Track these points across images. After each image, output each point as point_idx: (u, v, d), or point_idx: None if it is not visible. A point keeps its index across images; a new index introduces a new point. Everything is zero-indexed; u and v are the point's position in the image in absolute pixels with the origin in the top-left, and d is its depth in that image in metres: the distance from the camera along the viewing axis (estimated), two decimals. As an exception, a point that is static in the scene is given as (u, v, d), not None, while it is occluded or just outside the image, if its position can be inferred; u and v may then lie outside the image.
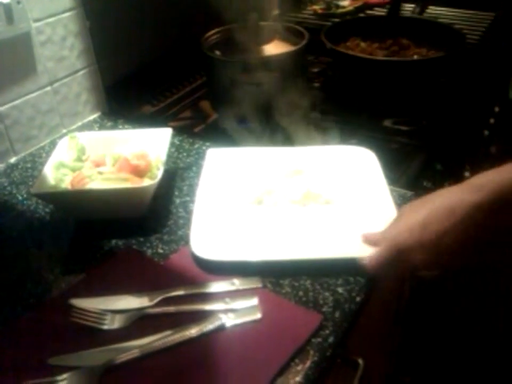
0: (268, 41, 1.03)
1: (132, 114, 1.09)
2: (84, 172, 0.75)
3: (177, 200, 0.80)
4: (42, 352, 0.55)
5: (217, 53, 1.00)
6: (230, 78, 0.97)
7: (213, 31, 1.07)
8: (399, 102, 1.11)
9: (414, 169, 0.90)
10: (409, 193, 0.79)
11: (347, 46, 1.24)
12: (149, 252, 0.70)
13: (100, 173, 0.75)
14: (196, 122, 1.11)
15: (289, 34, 1.08)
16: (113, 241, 0.72)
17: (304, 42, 1.02)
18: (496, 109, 1.20)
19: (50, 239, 0.75)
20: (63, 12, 0.95)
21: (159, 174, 0.72)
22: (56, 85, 0.98)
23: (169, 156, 0.88)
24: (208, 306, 0.60)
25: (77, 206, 0.73)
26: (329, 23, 1.45)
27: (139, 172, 0.77)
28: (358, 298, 0.61)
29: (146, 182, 0.75)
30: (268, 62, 0.97)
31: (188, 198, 0.80)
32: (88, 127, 1.04)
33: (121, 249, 0.71)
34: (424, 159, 0.94)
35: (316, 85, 1.26)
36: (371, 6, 1.59)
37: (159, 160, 0.76)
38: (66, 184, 0.74)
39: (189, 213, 0.76)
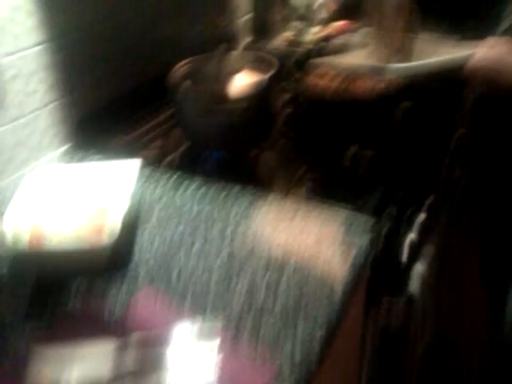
0: (237, 70, 1.05)
1: (102, 146, 1.10)
2: (43, 227, 0.75)
3: (140, 242, 0.80)
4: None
5: (187, 84, 1.02)
6: (199, 109, 0.99)
7: (183, 62, 1.08)
8: (362, 132, 1.14)
9: (377, 196, 0.93)
10: (371, 221, 0.81)
11: (315, 75, 1.28)
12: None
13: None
14: (167, 152, 1.13)
15: (259, 63, 1.10)
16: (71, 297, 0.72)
17: (273, 71, 1.04)
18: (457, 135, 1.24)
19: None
20: (34, 46, 0.96)
21: (118, 226, 0.73)
22: (24, 118, 0.98)
23: (136, 187, 0.89)
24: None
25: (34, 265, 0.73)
26: (299, 50, 1.49)
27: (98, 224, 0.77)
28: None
29: (106, 232, 0.75)
30: (237, 93, 0.99)
31: (153, 239, 0.81)
32: (57, 160, 1.04)
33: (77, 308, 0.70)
34: (387, 187, 0.96)
35: (288, 111, 1.29)
36: (340, 33, 1.63)
37: (122, 201, 0.77)
38: (24, 241, 0.74)
39: (153, 258, 0.76)
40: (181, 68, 1.07)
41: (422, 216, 1.02)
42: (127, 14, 1.16)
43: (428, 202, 1.08)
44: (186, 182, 0.96)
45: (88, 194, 0.82)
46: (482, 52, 0.94)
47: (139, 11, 1.20)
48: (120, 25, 1.15)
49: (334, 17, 1.66)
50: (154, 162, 1.08)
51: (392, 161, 1.06)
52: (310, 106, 1.25)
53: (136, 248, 0.79)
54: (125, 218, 0.75)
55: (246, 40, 1.62)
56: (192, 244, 0.80)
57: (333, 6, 1.67)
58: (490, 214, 1.22)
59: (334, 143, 1.12)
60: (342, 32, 1.62)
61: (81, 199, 0.80)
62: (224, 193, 0.92)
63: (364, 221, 0.83)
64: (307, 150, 1.12)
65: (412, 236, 1.00)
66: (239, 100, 1.00)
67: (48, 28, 0.97)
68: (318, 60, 1.22)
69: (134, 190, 0.82)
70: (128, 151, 1.11)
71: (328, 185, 0.98)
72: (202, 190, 0.93)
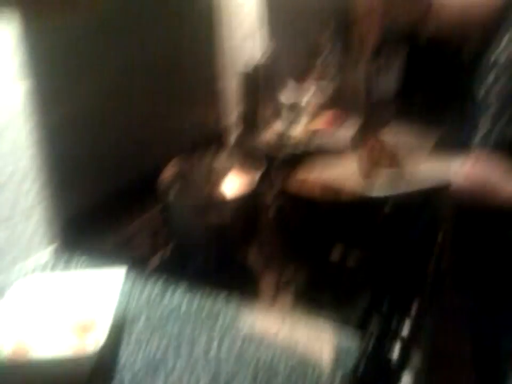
0: (226, 171, 1.08)
1: (88, 246, 1.10)
2: (27, 339, 0.74)
3: (124, 357, 0.80)
4: None
5: (176, 188, 1.04)
6: (188, 214, 1.01)
7: (172, 162, 1.11)
8: (346, 234, 1.17)
9: (361, 308, 0.93)
10: (355, 340, 0.82)
11: (297, 179, 1.31)
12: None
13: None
14: (156, 250, 1.14)
15: (248, 163, 1.13)
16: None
17: (261, 172, 1.07)
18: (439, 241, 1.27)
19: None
20: (22, 153, 0.99)
21: (102, 337, 0.72)
22: (10, 223, 0.99)
23: (120, 300, 0.89)
24: None
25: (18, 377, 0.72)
26: (282, 150, 1.55)
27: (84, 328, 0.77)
28: None
29: (91, 339, 0.75)
30: (220, 205, 1.02)
31: (136, 353, 0.80)
32: (42, 261, 1.04)
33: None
34: (371, 296, 0.97)
35: (272, 213, 1.32)
36: (323, 132, 1.70)
37: (106, 315, 0.77)
38: (7, 353, 0.73)
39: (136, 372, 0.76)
40: (170, 169, 1.10)
41: (408, 321, 1.02)
42: (117, 115, 1.21)
43: (414, 305, 1.09)
44: (172, 288, 0.96)
45: (73, 305, 0.82)
46: (466, 172, 0.98)
47: (129, 111, 1.24)
48: (111, 126, 1.19)
49: (321, 110, 1.74)
50: (141, 261, 1.09)
51: (377, 261, 1.08)
52: (297, 203, 1.28)
53: (121, 359, 0.78)
54: (110, 329, 0.75)
55: (235, 134, 1.67)
56: (178, 357, 0.80)
57: (320, 100, 1.74)
58: (480, 314, 1.23)
59: (321, 241, 1.15)
60: (329, 124, 1.68)
61: (66, 310, 0.80)
62: (209, 302, 0.93)
63: (352, 329, 0.84)
64: (295, 248, 1.14)
65: (399, 342, 1.00)
66: (228, 203, 1.03)
67: (36, 136, 1.01)
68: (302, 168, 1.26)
69: (119, 299, 0.82)
70: (116, 250, 1.12)
71: (315, 288, 0.99)
72: (188, 297, 0.94)
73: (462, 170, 0.99)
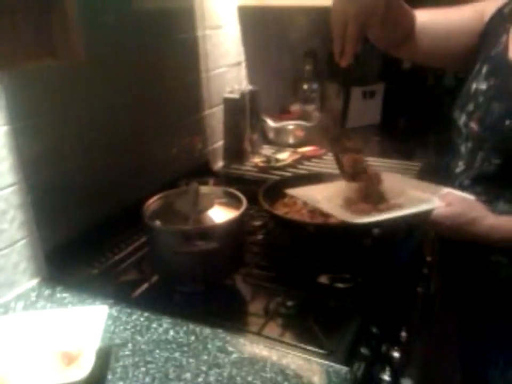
0: (208, 207, 1.07)
1: (72, 279, 1.08)
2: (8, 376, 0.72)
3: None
4: None
5: (158, 222, 1.04)
6: (170, 247, 1.00)
7: (154, 198, 1.11)
8: (334, 260, 1.16)
9: (350, 335, 0.92)
10: (344, 369, 0.80)
11: (285, 203, 1.32)
12: None
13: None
14: (140, 282, 1.12)
15: (229, 199, 1.13)
16: None
17: (243, 208, 1.07)
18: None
19: None
20: (5, 187, 0.98)
21: (84, 375, 0.70)
22: (-6, 256, 0.97)
23: (105, 330, 0.87)
24: None
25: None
26: (269, 176, 1.56)
27: (69, 358, 0.75)
28: None
29: (77, 369, 0.73)
30: (207, 231, 1.01)
31: (123, 381, 0.78)
32: (25, 296, 1.02)
33: None
34: (360, 323, 0.96)
35: (259, 237, 1.31)
36: (309, 158, 1.71)
37: (90, 348, 0.75)
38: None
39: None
40: (151, 204, 1.10)
41: (397, 352, 1.01)
42: (101, 145, 1.20)
43: (402, 335, 1.08)
44: (159, 315, 0.94)
45: (57, 339, 0.80)
46: (440, 211, 0.99)
47: (113, 141, 1.24)
48: (95, 157, 1.19)
49: (302, 144, 1.76)
50: (128, 290, 1.07)
51: (366, 285, 1.07)
52: (285, 227, 1.27)
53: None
54: (95, 358, 0.73)
55: (218, 165, 1.68)
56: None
57: (300, 133, 1.77)
58: (468, 340, 1.22)
59: (309, 265, 1.14)
60: (309, 157, 1.70)
61: (50, 343, 0.78)
62: (197, 328, 0.91)
63: (342, 355, 0.83)
64: (283, 272, 1.13)
65: (389, 368, 0.99)
66: (214, 229, 1.02)
67: (19, 170, 1.00)
68: (290, 191, 1.26)
69: (104, 329, 0.80)
70: (102, 280, 1.10)
71: (305, 313, 0.98)
72: (176, 324, 0.92)
73: (436, 208, 1.00)
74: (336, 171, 1.21)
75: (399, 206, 1.08)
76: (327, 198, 1.17)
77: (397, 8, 1.07)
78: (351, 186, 1.16)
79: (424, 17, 1.14)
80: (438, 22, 1.15)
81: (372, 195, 1.13)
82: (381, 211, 1.08)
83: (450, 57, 1.15)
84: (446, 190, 1.07)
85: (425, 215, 1.00)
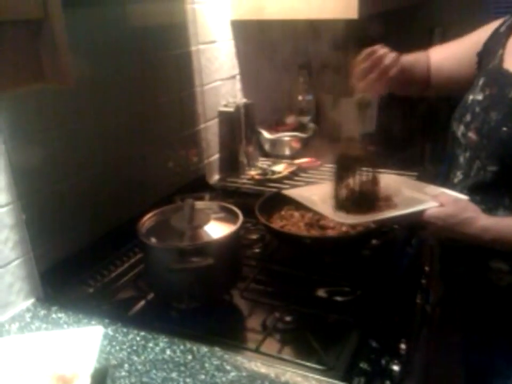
0: (203, 222, 1.07)
1: (68, 298, 1.07)
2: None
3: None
4: None
5: (153, 239, 1.03)
6: (165, 264, 0.99)
7: (149, 215, 1.10)
8: (332, 272, 1.15)
9: (350, 350, 0.91)
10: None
11: (281, 216, 1.31)
12: None
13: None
14: (136, 300, 1.11)
15: (225, 214, 1.13)
16: None
17: (239, 223, 1.06)
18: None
19: None
20: (1, 207, 0.97)
21: None
22: (-13, 278, 0.96)
23: (101, 350, 0.86)
24: None
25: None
26: (265, 189, 1.55)
27: (65, 381, 0.74)
28: None
29: None
30: (202, 247, 1.00)
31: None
32: (20, 317, 1.01)
33: None
34: (359, 337, 0.95)
35: (256, 251, 1.30)
36: (305, 169, 1.71)
37: (85, 370, 0.74)
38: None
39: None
40: (147, 221, 1.09)
41: (396, 365, 1.00)
42: (96, 162, 1.20)
43: (402, 347, 1.07)
44: (156, 334, 0.93)
45: (52, 361, 0.79)
46: (433, 211, 1.00)
47: (108, 157, 1.23)
48: (89, 174, 1.18)
49: (298, 155, 1.76)
50: (124, 308, 1.06)
51: (365, 297, 1.06)
52: (283, 239, 1.26)
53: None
54: (91, 379, 0.72)
55: (215, 178, 1.68)
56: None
57: (296, 145, 1.76)
58: (472, 349, 1.21)
59: (307, 278, 1.13)
60: (306, 169, 1.70)
61: (45, 365, 0.77)
62: (195, 346, 0.90)
63: (341, 369, 0.83)
64: (281, 286, 1.12)
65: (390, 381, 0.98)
66: (211, 244, 1.02)
67: (12, 190, 0.99)
68: (286, 191, 1.26)
69: (97, 358, 0.79)
70: (95, 302, 1.09)
71: (303, 327, 0.97)
72: (173, 342, 0.91)
73: (429, 208, 1.00)
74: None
75: (394, 207, 1.09)
76: (322, 199, 1.17)
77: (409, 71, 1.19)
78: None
79: (437, 56, 1.25)
80: (450, 56, 1.23)
81: (367, 195, 1.12)
82: (375, 211, 1.08)
83: (464, 83, 1.18)
84: (440, 190, 1.08)
85: (419, 215, 1.00)
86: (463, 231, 0.99)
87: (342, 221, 1.04)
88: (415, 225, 1.11)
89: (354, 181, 1.12)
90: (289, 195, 1.25)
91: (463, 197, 1.04)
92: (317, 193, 1.21)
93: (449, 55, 1.24)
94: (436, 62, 1.25)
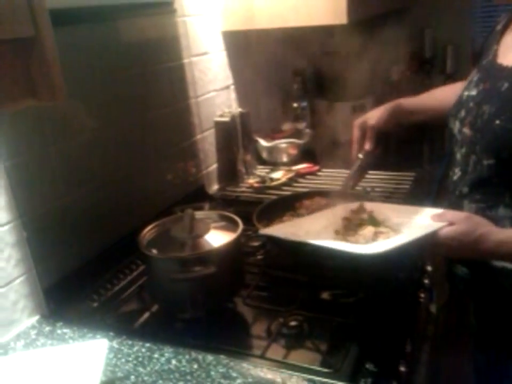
0: (204, 232, 1.07)
1: (72, 313, 1.07)
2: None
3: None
4: None
5: (155, 250, 1.03)
6: (168, 275, 0.99)
7: (150, 227, 1.11)
8: (334, 275, 1.15)
9: (355, 352, 0.91)
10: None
11: (282, 222, 1.31)
12: None
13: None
14: (140, 312, 1.11)
15: (225, 222, 1.13)
16: None
17: (238, 232, 1.07)
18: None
19: None
20: (1, 226, 0.98)
21: None
22: (-9, 296, 0.97)
23: (107, 364, 0.86)
24: None
25: None
26: (264, 196, 1.55)
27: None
28: None
29: None
30: (204, 256, 1.00)
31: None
32: (25, 334, 1.01)
33: None
34: (364, 338, 0.95)
35: (258, 257, 1.30)
36: (303, 175, 1.72)
37: (93, 380, 0.74)
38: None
39: None
40: (148, 232, 1.09)
41: (403, 365, 1.00)
42: (95, 175, 1.21)
43: (408, 348, 1.07)
44: (161, 345, 0.94)
45: (58, 382, 0.79)
46: (446, 231, 0.93)
47: (107, 169, 1.25)
48: (89, 188, 1.19)
49: (296, 161, 1.76)
50: (128, 320, 1.07)
51: (368, 303, 1.06)
52: (283, 246, 1.26)
53: None
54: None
55: (214, 188, 1.69)
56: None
57: (293, 151, 1.77)
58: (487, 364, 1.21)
59: (309, 285, 1.13)
60: (304, 174, 1.70)
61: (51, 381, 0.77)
62: (200, 355, 0.90)
63: (345, 376, 0.82)
64: (281, 297, 1.11)
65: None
66: (212, 253, 1.02)
67: (13, 208, 1.00)
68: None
69: (103, 371, 0.79)
70: (100, 316, 1.09)
71: (307, 333, 0.97)
72: (175, 361, 0.90)
73: (438, 230, 0.93)
74: (328, 186, 1.21)
75: (399, 233, 1.02)
76: (313, 232, 1.07)
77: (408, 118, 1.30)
78: (336, 219, 1.11)
79: (444, 92, 1.31)
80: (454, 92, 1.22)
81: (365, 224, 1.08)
82: (380, 238, 1.02)
83: None
84: (437, 210, 1.00)
85: (429, 238, 0.93)
86: (480, 249, 0.93)
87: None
88: (427, 249, 1.07)
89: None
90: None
91: (465, 213, 0.99)
92: (303, 228, 1.12)
93: (450, 94, 1.23)
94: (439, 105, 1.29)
